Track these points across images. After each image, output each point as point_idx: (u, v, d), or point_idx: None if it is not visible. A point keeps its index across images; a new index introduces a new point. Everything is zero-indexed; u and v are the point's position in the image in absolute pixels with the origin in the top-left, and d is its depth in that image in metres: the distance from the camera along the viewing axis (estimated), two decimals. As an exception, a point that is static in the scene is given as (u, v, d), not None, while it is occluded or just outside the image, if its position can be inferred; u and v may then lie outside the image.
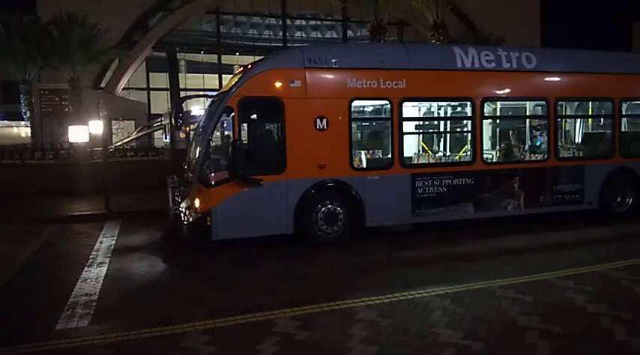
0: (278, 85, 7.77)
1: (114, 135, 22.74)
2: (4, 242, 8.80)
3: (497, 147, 9.91)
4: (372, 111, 9.30)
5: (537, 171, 9.32)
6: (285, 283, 6.29)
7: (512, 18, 28.99)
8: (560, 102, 9.54)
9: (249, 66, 8.11)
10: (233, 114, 7.60)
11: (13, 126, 22.89)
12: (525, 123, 10.13)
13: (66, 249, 8.61)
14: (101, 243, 8.68)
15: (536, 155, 9.68)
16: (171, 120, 13.48)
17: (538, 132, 9.96)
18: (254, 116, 7.99)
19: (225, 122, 8.13)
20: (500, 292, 5.32)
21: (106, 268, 7.06)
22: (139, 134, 22.46)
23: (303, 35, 33.95)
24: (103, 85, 27.63)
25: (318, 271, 6.92)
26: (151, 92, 30.95)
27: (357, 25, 33.74)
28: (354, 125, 8.38)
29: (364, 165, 8.62)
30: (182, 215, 7.97)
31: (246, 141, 7.85)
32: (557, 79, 9.51)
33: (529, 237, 8.49)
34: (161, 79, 30.63)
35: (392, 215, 8.46)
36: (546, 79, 9.43)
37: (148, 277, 6.85)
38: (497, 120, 10.11)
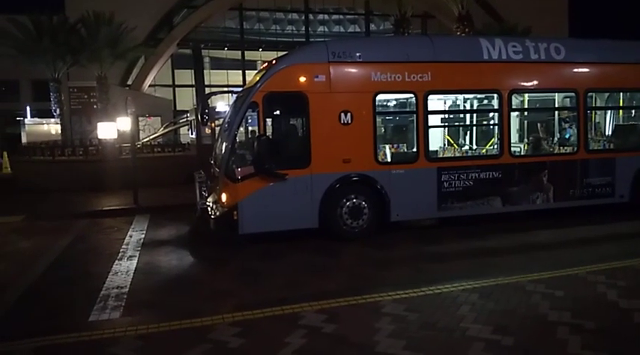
0: (302, 79, 7.78)
1: (141, 132, 23.11)
2: (36, 236, 9.05)
3: (526, 139, 9.75)
4: (397, 104, 9.24)
5: (567, 163, 9.13)
6: (311, 276, 6.31)
7: (538, 8, 28.38)
8: (589, 94, 9.33)
9: (274, 61, 8.13)
10: (258, 109, 7.64)
11: (43, 124, 23.43)
12: (554, 116, 9.93)
13: (97, 242, 8.82)
14: (131, 236, 8.85)
15: (565, 147, 9.49)
16: (197, 117, 13.66)
17: (567, 125, 9.76)
18: (279, 111, 8.02)
19: (250, 117, 8.18)
20: (529, 287, 5.25)
21: (136, 261, 7.20)
22: (166, 130, 22.81)
23: (326, 30, 33.87)
24: (129, 82, 28.08)
25: (344, 265, 6.93)
26: (177, 89, 31.33)
27: (380, 19, 33.49)
28: (378, 119, 8.34)
29: (389, 159, 8.59)
30: (209, 209, 8.07)
31: (271, 136, 7.89)
32: (586, 69, 9.29)
33: (558, 232, 8.33)
34: (186, 76, 30.96)
35: (417, 209, 8.41)
36: (575, 70, 9.22)
37: (177, 270, 6.97)
38: (525, 113, 9.94)
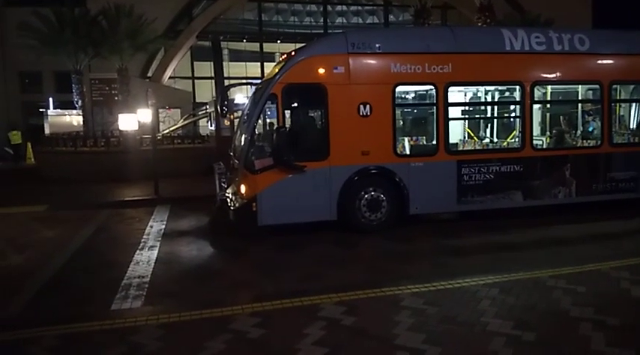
0: (321, 71, 7.75)
1: (161, 123, 23.29)
2: (60, 226, 9.22)
3: (548, 132, 9.59)
4: (417, 96, 9.15)
5: (590, 157, 8.97)
6: (330, 269, 6.32)
7: (561, -1, 27.72)
8: (614, 86, 9.13)
9: (293, 53, 8.11)
10: (277, 101, 7.65)
11: (65, 115, 23.76)
12: (577, 108, 9.76)
13: (118, 232, 8.96)
14: (151, 227, 8.96)
15: (588, 141, 9.32)
16: (216, 108, 13.74)
17: (591, 118, 9.57)
18: (297, 103, 8.00)
19: (269, 109, 8.19)
20: (551, 282, 5.18)
21: (156, 251, 7.29)
22: (185, 122, 22.96)
23: (344, 21, 33.66)
24: (149, 74, 28.30)
25: (363, 258, 6.93)
26: (196, 81, 31.51)
27: (399, 10, 33.17)
28: (397, 111, 8.28)
29: (408, 152, 8.53)
30: (228, 201, 8.12)
31: (290, 128, 7.89)
32: (611, 61, 9.10)
33: (580, 227, 8.20)
34: (205, 68, 31.11)
35: (437, 202, 8.35)
36: (600, 61, 9.03)
37: (197, 261, 7.05)
38: (548, 105, 9.77)
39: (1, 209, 10.66)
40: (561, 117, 9.58)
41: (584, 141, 9.37)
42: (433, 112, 8.35)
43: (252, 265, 6.69)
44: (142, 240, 7.97)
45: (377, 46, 7.96)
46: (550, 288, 5.02)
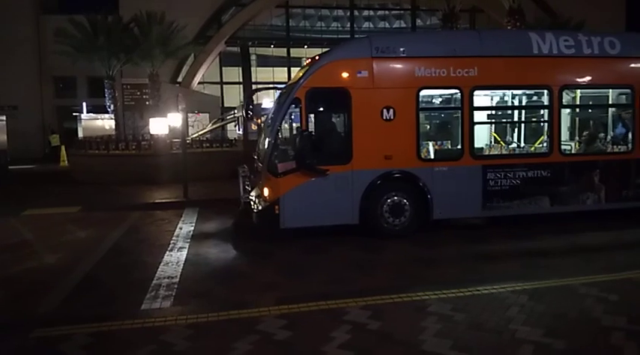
0: (345, 75, 7.78)
1: (190, 128, 23.64)
2: (92, 227, 9.47)
3: (577, 137, 9.41)
4: (442, 100, 9.11)
5: (620, 163, 8.77)
6: (355, 273, 6.35)
7: (593, 2, 27.14)
8: (647, 90, 8.90)
9: (317, 57, 8.17)
10: (301, 105, 7.69)
11: (98, 119, 24.47)
12: (607, 113, 9.55)
13: (148, 234, 9.14)
14: (180, 228, 9.12)
15: (619, 146, 9.12)
16: (243, 113, 13.89)
17: (621, 122, 9.35)
18: (321, 107, 8.05)
19: (293, 113, 8.26)
20: (582, 290, 5.09)
21: (185, 253, 7.43)
22: (214, 126, 23.24)
23: (371, 26, 33.64)
24: (179, 79, 28.78)
25: (387, 262, 6.92)
26: (224, 86, 31.90)
27: (426, 14, 32.97)
28: (421, 115, 8.24)
29: (432, 156, 8.48)
30: (252, 203, 8.22)
31: (313, 132, 7.94)
32: (643, 65, 8.87)
33: (611, 234, 8.02)
34: (234, 73, 31.48)
35: (461, 207, 8.27)
36: (631, 65, 8.83)
37: (224, 262, 7.16)
38: (577, 110, 9.60)
39: (36, 209, 11.03)
40: (591, 122, 9.40)
41: (615, 146, 9.16)
42: (458, 116, 8.31)
43: (278, 267, 6.75)
44: (172, 242, 8.13)
45: (401, 49, 7.96)
46: (581, 296, 4.94)
